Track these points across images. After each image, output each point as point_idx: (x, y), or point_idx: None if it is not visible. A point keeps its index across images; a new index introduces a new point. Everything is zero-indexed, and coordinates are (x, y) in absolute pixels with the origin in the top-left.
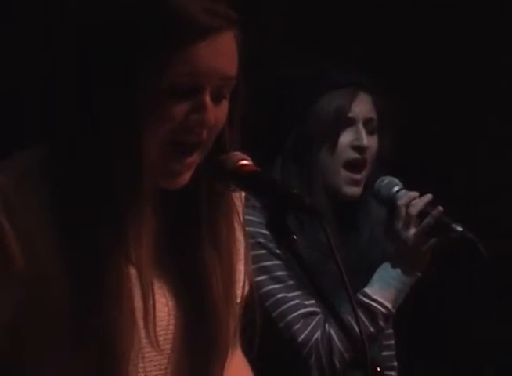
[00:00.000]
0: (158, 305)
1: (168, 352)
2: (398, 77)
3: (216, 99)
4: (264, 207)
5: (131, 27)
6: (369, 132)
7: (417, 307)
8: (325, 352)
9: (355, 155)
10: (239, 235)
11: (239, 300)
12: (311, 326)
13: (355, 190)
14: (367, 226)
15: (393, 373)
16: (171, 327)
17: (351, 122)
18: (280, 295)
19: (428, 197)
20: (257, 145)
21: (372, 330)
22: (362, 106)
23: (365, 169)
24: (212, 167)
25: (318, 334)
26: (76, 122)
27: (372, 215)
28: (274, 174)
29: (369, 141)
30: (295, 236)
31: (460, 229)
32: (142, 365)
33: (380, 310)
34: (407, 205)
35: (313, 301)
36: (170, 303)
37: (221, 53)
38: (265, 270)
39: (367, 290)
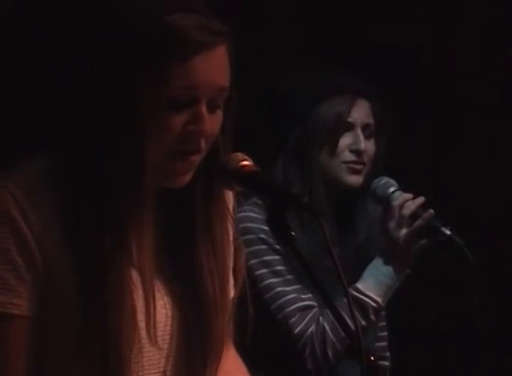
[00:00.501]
0: (157, 306)
1: (166, 350)
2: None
3: (211, 109)
4: (265, 205)
5: (132, 44)
6: (367, 137)
7: (409, 301)
8: (319, 344)
9: (352, 157)
10: (231, 233)
11: (231, 296)
12: (307, 319)
13: (356, 179)
14: (364, 224)
15: (386, 362)
16: (168, 328)
17: (349, 127)
18: (279, 289)
19: (421, 199)
20: (259, 145)
21: (363, 323)
22: (360, 112)
23: (364, 166)
24: (214, 167)
25: (313, 327)
26: (82, 133)
27: (369, 213)
28: (276, 173)
29: (366, 145)
30: (293, 233)
31: (448, 232)
32: (141, 364)
33: (371, 305)
34: (401, 206)
35: (310, 295)
36: (168, 304)
37: (216, 67)
38: (265, 264)
39: (359, 285)
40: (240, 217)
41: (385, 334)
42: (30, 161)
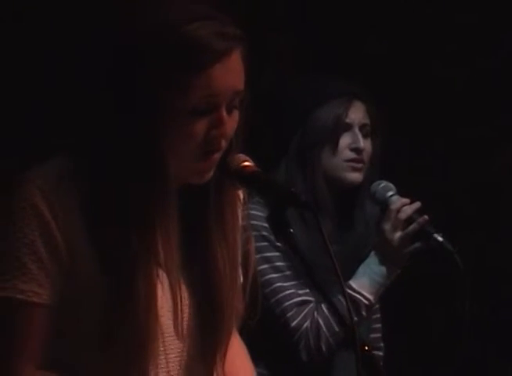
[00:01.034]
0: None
1: (188, 332)
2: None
3: (229, 111)
4: (265, 203)
5: (151, 56)
6: (364, 136)
7: (402, 296)
8: (313, 338)
9: (353, 155)
10: (241, 224)
11: (240, 283)
12: (303, 314)
13: (356, 176)
14: (362, 222)
15: (380, 352)
16: (186, 315)
17: (348, 127)
18: (278, 284)
19: (417, 204)
20: (262, 148)
21: (355, 318)
22: (357, 113)
23: (364, 164)
24: (219, 167)
25: (308, 322)
26: (108, 137)
27: (366, 212)
28: (278, 174)
29: (364, 143)
30: (292, 230)
31: (441, 239)
32: (162, 349)
33: (363, 302)
34: (398, 210)
35: (307, 291)
36: (185, 294)
37: (233, 72)
38: (266, 260)
39: (352, 283)
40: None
41: (379, 325)
42: (56, 159)
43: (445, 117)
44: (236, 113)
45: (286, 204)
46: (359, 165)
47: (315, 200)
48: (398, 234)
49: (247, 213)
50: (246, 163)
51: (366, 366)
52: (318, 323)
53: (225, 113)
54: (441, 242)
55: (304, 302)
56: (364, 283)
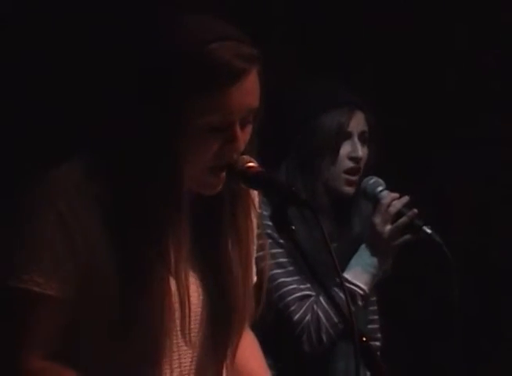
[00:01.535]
0: (191, 292)
1: (197, 330)
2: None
3: (242, 126)
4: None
5: (176, 74)
6: (362, 143)
7: (397, 288)
8: (314, 330)
9: (351, 164)
10: (255, 225)
11: (253, 281)
12: (304, 308)
13: (351, 189)
14: (358, 220)
15: (377, 343)
16: (200, 310)
17: (348, 136)
18: (281, 280)
19: (406, 198)
20: (263, 153)
21: (352, 308)
22: (357, 122)
23: (359, 173)
24: (226, 168)
25: (309, 315)
26: (131, 144)
27: (362, 210)
28: (279, 176)
29: (362, 151)
30: (293, 227)
31: (429, 231)
32: (175, 341)
33: (359, 292)
34: (388, 204)
35: (308, 285)
36: (199, 289)
37: (249, 91)
38: (270, 257)
39: (346, 275)
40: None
41: (376, 317)
42: (77, 160)
43: (442, 116)
44: (249, 127)
45: (287, 202)
46: (355, 178)
47: (314, 204)
48: (388, 227)
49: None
50: (251, 164)
51: (364, 355)
52: (318, 315)
53: (239, 131)
54: (430, 234)
55: (306, 297)
56: (358, 274)
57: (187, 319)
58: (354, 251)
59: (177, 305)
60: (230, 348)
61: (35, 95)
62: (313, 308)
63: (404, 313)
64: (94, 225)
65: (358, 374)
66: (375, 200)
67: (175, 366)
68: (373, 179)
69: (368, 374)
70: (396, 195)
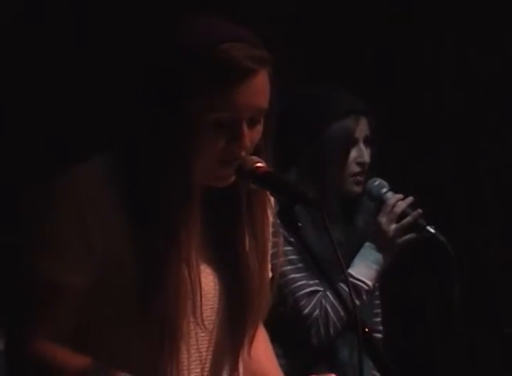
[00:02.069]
0: (206, 281)
1: (214, 318)
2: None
3: (251, 125)
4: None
5: (188, 72)
6: (366, 147)
7: (399, 283)
8: (323, 324)
9: (358, 169)
10: (271, 221)
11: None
12: (313, 303)
13: (359, 189)
14: (361, 217)
15: (379, 334)
16: (216, 299)
17: (355, 142)
18: (291, 276)
19: (410, 199)
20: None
21: (357, 303)
22: (362, 127)
23: (365, 175)
24: (235, 168)
25: (317, 310)
26: (143, 142)
27: (364, 208)
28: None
29: (368, 156)
30: (300, 224)
31: (433, 231)
32: (192, 328)
33: (364, 287)
34: (393, 205)
35: (317, 281)
36: (215, 280)
37: (257, 91)
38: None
39: (351, 271)
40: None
41: (379, 311)
42: (98, 158)
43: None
44: (258, 128)
45: (294, 201)
46: (361, 178)
47: (325, 208)
48: (393, 226)
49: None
50: (259, 164)
51: (367, 347)
52: (326, 310)
53: (245, 128)
54: (434, 233)
55: (314, 292)
56: (362, 270)
57: (199, 304)
58: (358, 246)
59: (189, 291)
60: (246, 339)
61: (59, 97)
62: (321, 302)
63: (405, 307)
64: (112, 218)
65: (361, 364)
66: (380, 201)
67: (193, 352)
68: (377, 181)
69: (371, 364)
70: (401, 196)
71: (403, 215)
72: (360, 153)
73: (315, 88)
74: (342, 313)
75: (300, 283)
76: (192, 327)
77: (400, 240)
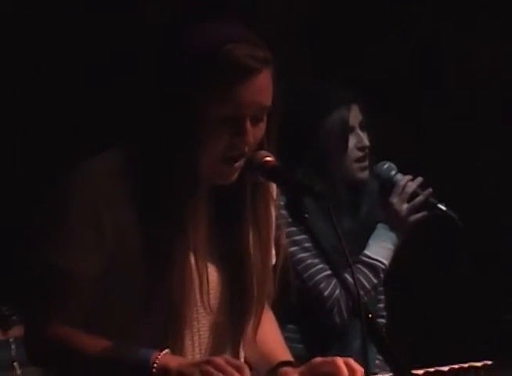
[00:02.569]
0: (210, 272)
1: (216, 309)
2: None
3: (254, 122)
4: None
5: (195, 70)
6: (363, 131)
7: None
8: (344, 303)
9: (360, 154)
10: (274, 215)
11: (273, 264)
12: (333, 284)
13: (365, 175)
14: (367, 199)
15: (382, 320)
16: (219, 289)
17: (351, 129)
18: (309, 261)
19: (420, 179)
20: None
21: (375, 281)
22: (354, 114)
23: (368, 159)
24: (245, 162)
25: (337, 291)
26: (151, 137)
27: (369, 188)
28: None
29: (367, 139)
30: (307, 215)
31: (444, 208)
32: (195, 315)
33: (381, 266)
34: (404, 186)
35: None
36: (218, 270)
37: (260, 89)
38: (295, 243)
39: (368, 252)
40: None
41: (382, 297)
42: (110, 153)
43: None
44: (261, 125)
45: (302, 193)
46: (365, 164)
47: (335, 199)
48: (405, 206)
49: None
50: (268, 158)
51: (371, 331)
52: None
53: (248, 125)
54: (445, 210)
55: (332, 275)
56: (378, 250)
57: (206, 289)
58: (365, 228)
59: (196, 278)
60: (248, 326)
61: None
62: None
63: (407, 293)
64: (123, 210)
65: (365, 348)
66: (390, 183)
67: (196, 338)
68: (386, 164)
69: (375, 349)
70: (410, 177)
71: (413, 194)
72: (359, 139)
73: (301, 86)
74: (361, 292)
75: (318, 267)
76: (196, 315)
77: (413, 219)
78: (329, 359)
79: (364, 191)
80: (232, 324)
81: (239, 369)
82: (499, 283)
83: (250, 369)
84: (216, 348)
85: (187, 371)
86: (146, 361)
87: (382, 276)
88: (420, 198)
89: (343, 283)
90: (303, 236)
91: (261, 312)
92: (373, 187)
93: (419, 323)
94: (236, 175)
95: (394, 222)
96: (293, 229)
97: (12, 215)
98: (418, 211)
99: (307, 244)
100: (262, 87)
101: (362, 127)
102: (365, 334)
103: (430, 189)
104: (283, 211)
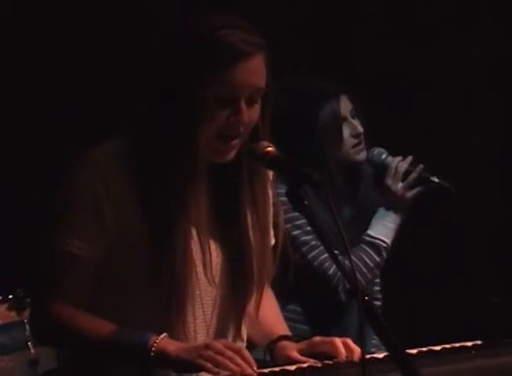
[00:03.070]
0: (212, 248)
1: (217, 284)
2: None
3: (249, 104)
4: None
5: (188, 53)
6: (355, 118)
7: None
8: (348, 280)
9: (355, 140)
10: (271, 197)
11: (271, 244)
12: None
13: (362, 155)
14: (362, 181)
15: (378, 302)
16: (219, 267)
17: (344, 119)
18: (312, 243)
19: (410, 158)
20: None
21: (378, 260)
22: (344, 105)
23: (363, 142)
24: (247, 152)
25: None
26: (152, 120)
27: (364, 176)
28: None
29: (360, 126)
30: (306, 202)
31: (437, 180)
32: (198, 293)
33: (383, 245)
34: (396, 167)
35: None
36: (219, 249)
37: (253, 71)
38: (298, 227)
39: (370, 232)
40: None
41: (378, 280)
42: (112, 141)
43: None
44: (256, 107)
45: (301, 181)
46: (361, 146)
47: (332, 189)
48: (400, 184)
49: (277, 191)
50: (270, 148)
51: (367, 313)
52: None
53: (243, 105)
54: (439, 182)
55: (336, 255)
56: (380, 230)
57: (208, 263)
58: (364, 212)
59: (199, 253)
60: (249, 303)
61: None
62: (345, 262)
63: (401, 276)
64: (123, 193)
65: (362, 330)
66: (382, 166)
67: (198, 314)
68: (376, 150)
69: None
70: (400, 157)
71: (407, 173)
72: (352, 127)
73: (288, 82)
74: (365, 270)
75: (321, 248)
76: (199, 292)
77: (409, 195)
78: (327, 339)
79: (359, 177)
80: (234, 301)
81: (238, 352)
82: (487, 267)
83: (254, 347)
84: (219, 324)
85: (185, 355)
86: (144, 345)
87: (384, 254)
88: (413, 175)
89: (341, 267)
90: (304, 221)
91: (262, 289)
92: (368, 172)
93: (412, 306)
94: (233, 153)
95: (393, 202)
96: (296, 214)
97: (28, 199)
98: (413, 188)
99: (308, 228)
100: (255, 69)
101: (354, 115)
102: (362, 316)
103: (421, 165)
104: (284, 198)
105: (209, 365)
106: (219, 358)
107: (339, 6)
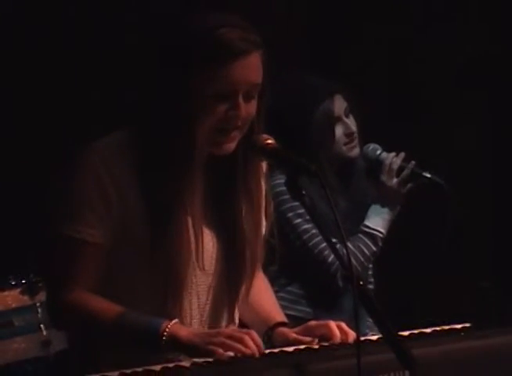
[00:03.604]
0: (206, 240)
1: (212, 272)
2: None
3: (247, 99)
4: (282, 172)
5: (189, 51)
6: (348, 117)
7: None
8: (345, 267)
9: (347, 139)
10: (264, 187)
11: (263, 233)
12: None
13: (356, 152)
14: (356, 175)
15: (371, 286)
16: (214, 255)
17: (338, 119)
18: (313, 231)
19: (402, 154)
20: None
21: (374, 249)
22: (339, 104)
23: (356, 140)
24: (248, 144)
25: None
26: (152, 114)
27: (358, 165)
28: None
29: (353, 125)
30: (304, 192)
31: (429, 175)
32: (194, 280)
33: (379, 235)
34: (390, 163)
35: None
36: (214, 238)
37: (250, 68)
38: (298, 216)
39: (367, 223)
40: (276, 184)
41: (371, 265)
42: (116, 134)
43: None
44: (253, 102)
45: (299, 172)
46: (354, 144)
47: (328, 186)
48: (395, 180)
49: (276, 182)
50: (269, 141)
51: (362, 297)
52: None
53: (241, 100)
54: (430, 177)
55: (335, 243)
56: (377, 221)
57: (201, 250)
58: (358, 203)
59: (193, 241)
60: (242, 288)
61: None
62: (343, 250)
63: (393, 261)
64: (126, 181)
65: (356, 312)
66: (377, 162)
67: (194, 300)
68: (370, 146)
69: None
70: (394, 154)
71: (400, 169)
72: (346, 126)
73: (286, 81)
74: (362, 259)
75: (321, 236)
76: (194, 278)
77: (404, 190)
78: (323, 322)
79: (352, 170)
80: (228, 288)
81: (249, 335)
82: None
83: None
84: (213, 310)
85: (197, 341)
86: (156, 330)
87: (380, 244)
88: (406, 171)
89: (339, 255)
90: (304, 210)
91: (254, 274)
92: (360, 165)
93: (403, 290)
94: (233, 145)
95: (388, 197)
96: (296, 203)
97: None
98: (407, 183)
99: (308, 217)
100: (253, 66)
101: (348, 113)
102: (356, 301)
103: (413, 162)
104: (284, 188)
105: (220, 350)
106: (229, 342)
107: (339, 6)
